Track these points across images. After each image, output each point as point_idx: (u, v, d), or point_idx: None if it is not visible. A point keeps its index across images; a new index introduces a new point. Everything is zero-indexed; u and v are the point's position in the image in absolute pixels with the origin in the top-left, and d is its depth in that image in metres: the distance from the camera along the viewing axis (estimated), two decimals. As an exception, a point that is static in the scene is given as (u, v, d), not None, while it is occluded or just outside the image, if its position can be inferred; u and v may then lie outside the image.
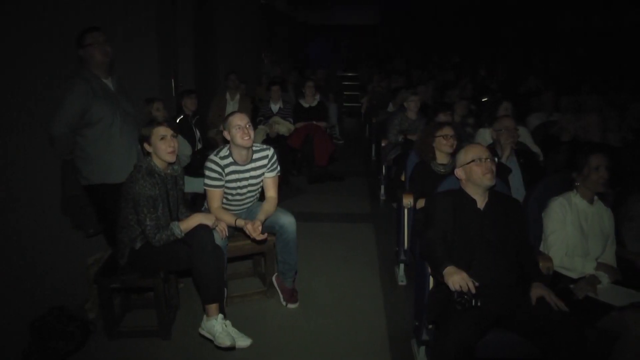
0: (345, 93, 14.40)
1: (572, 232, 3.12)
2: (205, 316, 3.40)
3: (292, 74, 11.67)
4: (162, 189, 3.43)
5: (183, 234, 3.40)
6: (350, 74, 15.86)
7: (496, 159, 3.10)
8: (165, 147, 3.41)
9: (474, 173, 2.97)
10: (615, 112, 5.65)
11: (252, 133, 3.74)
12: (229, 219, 3.71)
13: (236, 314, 3.77)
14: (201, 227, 3.43)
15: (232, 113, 3.87)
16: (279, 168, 4.02)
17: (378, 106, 9.13)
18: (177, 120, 6.07)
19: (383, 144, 6.84)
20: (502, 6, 16.72)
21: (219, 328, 3.32)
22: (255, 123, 7.20)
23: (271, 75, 10.40)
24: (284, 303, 4.07)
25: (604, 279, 3.03)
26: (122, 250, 3.47)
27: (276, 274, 4.13)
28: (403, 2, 17.19)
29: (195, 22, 7.78)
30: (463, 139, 4.84)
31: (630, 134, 6.00)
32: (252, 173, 3.88)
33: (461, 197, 3.03)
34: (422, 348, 3.26)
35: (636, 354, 2.67)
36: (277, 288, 4.13)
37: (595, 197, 3.25)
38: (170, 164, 3.52)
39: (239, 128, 3.67)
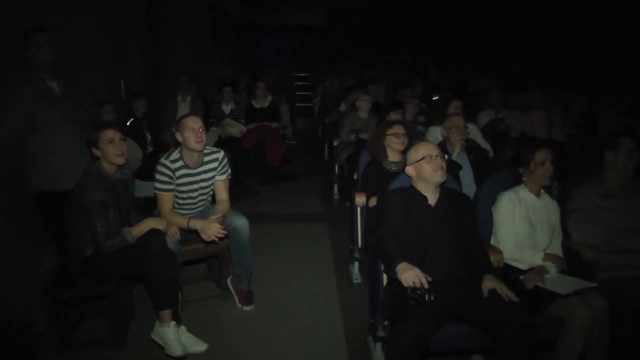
0: (297, 93, 14.44)
1: (521, 225, 3.20)
2: (157, 322, 3.34)
3: (243, 75, 11.61)
4: (112, 194, 3.37)
5: (135, 239, 3.34)
6: (302, 74, 15.87)
7: (446, 156, 3.15)
8: (114, 151, 3.35)
9: (424, 170, 3.01)
10: (560, 108, 5.80)
11: (204, 136, 3.71)
12: (182, 221, 3.67)
13: (191, 319, 3.73)
14: (153, 232, 3.37)
15: (186, 115, 3.83)
16: (229, 170, 3.99)
17: (330, 106, 9.15)
18: (128, 123, 5.97)
19: (335, 144, 6.88)
20: (451, 5, 16.98)
21: (171, 336, 3.26)
22: (207, 125, 7.15)
23: (223, 77, 10.34)
24: (239, 305, 4.04)
25: (552, 268, 3.12)
26: (73, 258, 3.39)
27: (231, 276, 4.09)
28: (353, 2, 17.25)
29: (145, 23, 7.66)
30: (414, 137, 4.90)
31: (574, 129, 6.19)
32: (203, 176, 3.84)
33: (412, 194, 3.07)
34: (379, 344, 3.27)
35: (580, 336, 2.82)
36: (233, 290, 4.09)
37: (542, 191, 3.34)
38: (119, 167, 3.46)
39: (192, 131, 3.63)
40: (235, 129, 7.60)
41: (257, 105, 7.99)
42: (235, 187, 4.58)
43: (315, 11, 18.46)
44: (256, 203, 6.73)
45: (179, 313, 3.48)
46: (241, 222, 3.83)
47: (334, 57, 16.80)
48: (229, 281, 4.11)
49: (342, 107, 8.43)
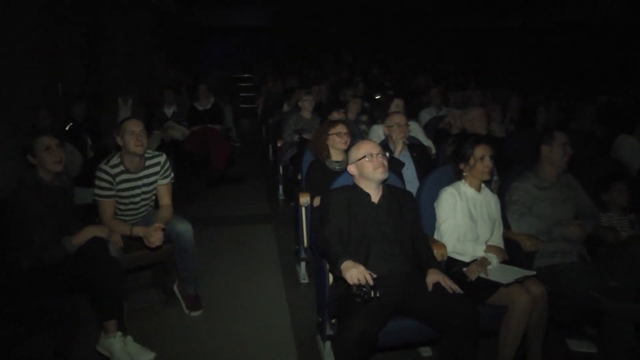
0: (241, 95, 14.32)
1: (463, 219, 3.28)
2: (103, 334, 3.25)
3: (185, 77, 11.46)
4: (50, 203, 3.26)
5: (75, 249, 3.23)
6: (245, 76, 15.76)
7: (388, 154, 3.19)
8: (51, 159, 3.25)
9: (365, 168, 3.04)
10: (498, 105, 5.96)
11: (145, 140, 3.65)
12: (124, 228, 3.59)
13: (138, 328, 3.66)
14: (94, 240, 3.28)
15: (127, 119, 3.76)
16: (172, 174, 3.94)
17: (273, 107, 9.14)
18: (67, 128, 5.81)
19: (279, 144, 6.86)
20: (392, 6, 17.20)
21: (117, 347, 3.19)
22: (149, 128, 7.03)
23: (164, 79, 10.18)
24: (187, 311, 3.99)
25: (493, 259, 3.21)
26: (9, 272, 3.24)
27: (177, 282, 4.04)
28: (296, 3, 17.25)
29: (84, 23, 7.47)
30: (357, 136, 4.94)
31: (511, 125, 6.37)
32: (145, 181, 3.78)
33: (355, 192, 3.10)
34: (327, 343, 3.29)
35: (521, 322, 2.95)
36: (179, 296, 4.04)
37: (482, 185, 3.42)
38: (57, 175, 3.36)
39: (133, 134, 3.57)
40: (178, 131, 7.51)
41: (199, 107, 7.90)
42: (179, 191, 4.52)
43: (258, 12, 18.40)
44: (201, 206, 6.66)
45: (124, 323, 3.40)
46: (185, 227, 3.78)
47: (277, 58, 16.77)
48: (175, 287, 4.06)
49: (285, 108, 8.45)
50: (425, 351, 3.52)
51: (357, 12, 17.84)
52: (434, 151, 4.99)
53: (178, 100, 8.22)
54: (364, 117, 6.50)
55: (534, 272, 3.11)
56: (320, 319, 3.34)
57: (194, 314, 3.98)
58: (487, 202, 3.39)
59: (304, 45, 18.21)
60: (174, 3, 14.12)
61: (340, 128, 4.23)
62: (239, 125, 11.87)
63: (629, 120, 5.54)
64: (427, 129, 5.84)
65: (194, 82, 10.58)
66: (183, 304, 4.02)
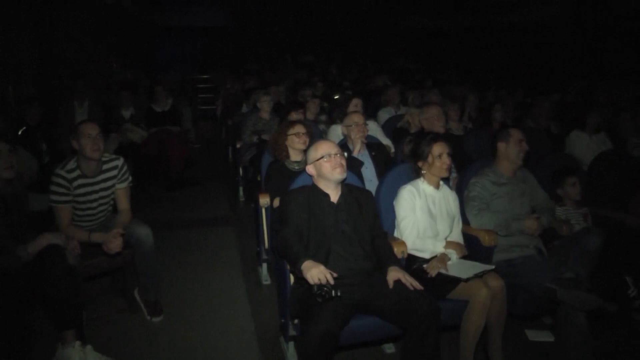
0: (199, 96, 14.19)
1: (422, 216, 3.31)
2: (60, 344, 3.17)
3: (143, 78, 11.30)
4: (1, 210, 3.17)
5: (30, 257, 3.13)
6: (204, 77, 15.61)
7: (346, 154, 3.21)
8: (1, 164, 3.16)
9: (324, 168, 3.05)
10: (456, 104, 6.03)
11: (102, 144, 3.58)
12: (82, 234, 3.52)
13: (98, 336, 3.57)
14: (50, 248, 3.17)
15: (83, 122, 3.68)
16: (130, 178, 3.87)
17: (232, 108, 9.07)
18: (19, 133, 5.67)
19: (238, 146, 6.81)
20: (351, 6, 17.29)
21: (76, 357, 3.11)
22: (106, 131, 6.91)
23: (121, 80, 10.02)
24: (148, 317, 3.91)
25: (453, 255, 3.26)
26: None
27: (137, 288, 3.96)
28: (255, 3, 17.16)
29: (34, 23, 7.28)
30: (316, 136, 4.95)
31: (469, 123, 6.46)
32: (103, 185, 3.71)
33: (314, 192, 3.11)
34: (291, 344, 3.31)
35: (482, 315, 3.01)
36: (140, 302, 3.96)
37: (441, 182, 3.47)
38: (9, 181, 3.26)
39: (89, 138, 3.50)
40: (136, 134, 7.39)
41: (157, 109, 7.78)
42: (138, 195, 4.45)
43: (216, 12, 18.20)
44: (160, 210, 6.56)
45: (83, 332, 3.33)
46: (144, 232, 3.71)
47: (236, 58, 16.67)
48: (135, 293, 3.98)
49: (244, 109, 8.37)
50: (389, 347, 3.56)
51: (316, 13, 17.87)
52: (392, 150, 5.02)
53: (135, 102, 8.08)
54: (323, 117, 6.51)
55: (493, 267, 3.18)
56: (282, 320, 3.33)
57: (156, 319, 3.91)
58: (445, 199, 3.44)
59: (263, 46, 18.15)
60: (131, 3, 13.87)
61: (299, 128, 4.23)
62: (197, 127, 11.76)
63: (580, 117, 5.68)
64: (386, 128, 5.87)
65: (151, 83, 10.43)
66: (144, 310, 3.94)
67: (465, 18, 18.40)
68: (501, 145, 3.66)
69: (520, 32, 16.47)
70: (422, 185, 3.39)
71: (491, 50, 17.49)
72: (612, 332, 3.82)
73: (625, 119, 6.02)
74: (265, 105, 6.61)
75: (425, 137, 3.43)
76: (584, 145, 5.40)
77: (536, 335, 3.80)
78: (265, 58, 16.55)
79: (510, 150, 3.62)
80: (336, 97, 7.52)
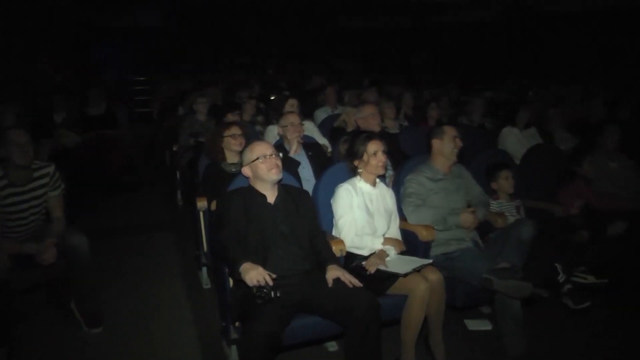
0: (135, 98, 13.86)
1: (359, 214, 3.33)
2: None
3: (76, 81, 10.96)
4: None
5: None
6: (140, 78, 15.23)
7: (281, 155, 3.20)
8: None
9: (259, 170, 3.05)
10: (392, 102, 6.10)
11: (31, 151, 3.46)
12: (12, 246, 3.39)
13: (33, 352, 3.46)
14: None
15: (11, 128, 3.54)
16: (63, 185, 3.75)
17: (169, 110, 8.91)
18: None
19: (175, 149, 6.69)
20: (286, 7, 17.26)
21: None
22: (36, 137, 6.66)
23: (53, 83, 9.69)
24: (86, 329, 3.78)
25: (391, 251, 3.30)
26: None
27: (74, 299, 3.81)
28: (191, 3, 16.86)
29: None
30: (253, 137, 4.92)
31: (405, 121, 6.56)
32: (34, 194, 3.58)
33: (251, 193, 3.09)
34: (233, 347, 3.27)
35: (421, 308, 3.06)
36: (77, 314, 3.81)
37: (377, 180, 3.50)
38: None
39: (17, 145, 3.37)
40: (69, 139, 7.15)
41: (92, 113, 7.57)
42: (72, 202, 4.30)
43: (152, 12, 17.78)
44: (96, 217, 6.37)
45: (11, 348, 3.19)
46: (79, 241, 3.58)
47: (172, 59, 16.39)
48: (72, 304, 3.82)
49: (181, 111, 8.23)
50: (331, 346, 3.57)
51: (253, 13, 17.76)
52: (329, 149, 5.05)
53: (68, 105, 7.81)
54: (260, 118, 6.47)
55: (431, 261, 3.23)
56: (224, 324, 3.31)
57: (95, 331, 3.78)
58: (382, 196, 3.47)
59: (199, 46, 17.89)
60: (63, 1, 13.36)
61: (235, 130, 4.20)
62: (134, 130, 11.49)
63: (511, 113, 5.84)
64: (323, 127, 5.90)
65: (85, 86, 10.11)
66: (82, 322, 3.80)
67: (401, 19, 18.74)
68: (436, 142, 3.72)
69: (454, 33, 16.92)
70: (359, 184, 3.41)
71: (427, 51, 17.87)
72: (544, 316, 4.00)
73: (552, 115, 6.24)
74: (201, 107, 6.54)
75: (360, 136, 3.46)
76: (516, 140, 5.55)
77: (475, 325, 3.93)
78: (201, 59, 16.31)
79: (445, 146, 3.68)
80: (272, 97, 7.50)
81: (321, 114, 6.85)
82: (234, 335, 3.16)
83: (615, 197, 4.46)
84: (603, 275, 3.92)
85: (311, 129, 5.34)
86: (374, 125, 4.73)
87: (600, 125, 5.06)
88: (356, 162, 3.43)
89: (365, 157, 3.37)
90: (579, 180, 4.40)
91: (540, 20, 14.07)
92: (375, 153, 3.35)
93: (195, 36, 17.96)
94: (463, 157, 3.88)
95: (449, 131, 3.71)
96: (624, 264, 4.26)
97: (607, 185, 4.57)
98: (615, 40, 12.12)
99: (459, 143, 3.70)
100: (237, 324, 3.08)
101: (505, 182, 4.10)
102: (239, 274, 2.69)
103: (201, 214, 4.22)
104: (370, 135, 3.45)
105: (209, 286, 4.45)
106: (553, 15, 13.63)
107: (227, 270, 3.01)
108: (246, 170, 3.14)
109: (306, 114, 6.44)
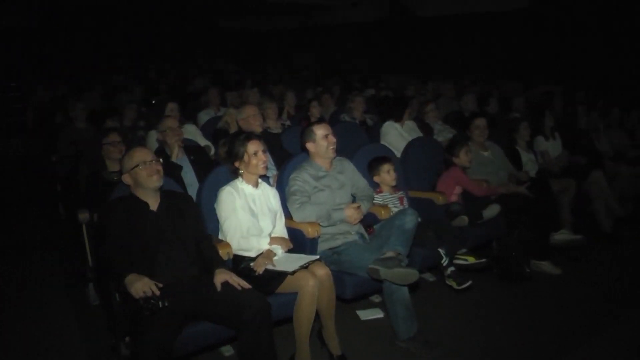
0: (7, 106, 12.99)
1: (244, 216, 3.33)
2: None
3: None
4: None
5: None
6: (11, 84, 14.24)
7: (161, 160, 3.14)
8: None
9: (140, 177, 2.98)
10: (274, 103, 6.14)
11: None
12: None
13: None
14: None
15: None
16: None
17: (44, 118, 8.45)
18: None
19: (53, 159, 6.34)
20: (167, 8, 16.86)
21: None
22: None
23: None
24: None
25: (278, 250, 3.35)
26: None
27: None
28: (65, 2, 15.91)
29: None
30: (136, 143, 4.79)
31: (287, 120, 6.63)
32: None
33: (133, 202, 3.02)
34: (125, 363, 3.17)
35: (312, 303, 3.11)
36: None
37: (260, 180, 3.52)
38: None
39: None
40: None
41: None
42: None
43: (22, 11, 16.60)
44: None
45: None
46: None
47: (47, 62, 15.49)
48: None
49: (58, 119, 7.83)
50: (227, 350, 3.57)
51: (131, 13, 17.18)
52: (212, 151, 5.01)
53: None
54: (142, 123, 6.30)
55: (318, 257, 3.32)
56: (113, 340, 3.22)
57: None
58: (265, 195, 3.50)
59: (75, 49, 17.03)
60: None
61: (114, 137, 4.09)
62: (5, 141, 10.83)
63: (392, 109, 6.01)
64: (206, 129, 5.86)
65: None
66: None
67: (282, 19, 18.91)
68: (309, 145, 3.78)
69: (336, 34, 17.32)
70: (241, 185, 3.41)
71: (309, 51, 18.16)
72: (431, 298, 4.28)
73: (430, 109, 6.53)
74: (79, 114, 6.24)
75: (239, 137, 3.46)
76: (397, 134, 5.72)
77: (367, 314, 4.07)
78: (79, 61, 15.56)
79: (319, 147, 3.75)
80: (154, 101, 7.34)
81: (204, 116, 6.79)
82: (124, 351, 3.06)
83: (488, 183, 4.74)
84: (482, 255, 4.16)
85: (193, 132, 5.29)
86: (255, 126, 4.74)
87: (472, 117, 5.35)
88: (237, 164, 3.41)
89: (245, 157, 3.36)
90: (455, 169, 4.62)
91: (417, 21, 14.77)
92: (255, 153, 3.36)
93: (71, 37, 17.08)
94: (346, 152, 3.97)
95: (319, 131, 3.75)
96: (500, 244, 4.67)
97: (480, 173, 4.84)
98: (484, 40, 13.17)
99: (332, 139, 3.75)
100: (127, 339, 2.99)
101: (387, 175, 4.23)
102: (124, 286, 2.63)
103: (84, 227, 4.04)
104: (248, 136, 3.45)
105: (97, 302, 4.26)
106: (428, 19, 14.36)
107: (112, 284, 2.92)
108: (126, 178, 3.05)
109: (189, 116, 6.36)
